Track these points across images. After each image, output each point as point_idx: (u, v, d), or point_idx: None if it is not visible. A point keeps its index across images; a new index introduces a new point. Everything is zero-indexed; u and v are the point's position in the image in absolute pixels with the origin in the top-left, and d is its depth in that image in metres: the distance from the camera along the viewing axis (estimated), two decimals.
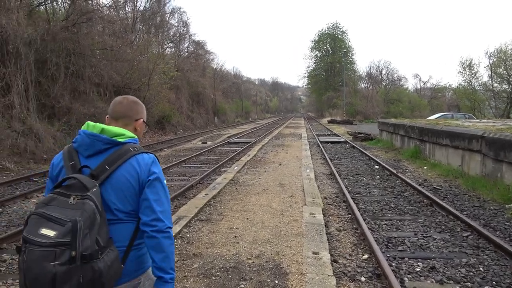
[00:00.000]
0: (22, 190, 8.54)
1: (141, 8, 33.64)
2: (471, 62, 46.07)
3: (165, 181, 1.63)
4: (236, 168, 9.81)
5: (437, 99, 63.05)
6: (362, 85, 67.60)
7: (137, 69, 25.86)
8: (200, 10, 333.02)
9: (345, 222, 5.65)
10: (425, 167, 9.64)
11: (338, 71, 66.05)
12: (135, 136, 1.64)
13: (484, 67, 45.50)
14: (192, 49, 46.42)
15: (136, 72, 25.82)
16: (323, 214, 5.75)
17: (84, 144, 1.55)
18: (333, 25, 68.48)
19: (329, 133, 26.54)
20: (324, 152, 14.15)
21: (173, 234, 1.81)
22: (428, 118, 24.85)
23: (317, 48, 71.23)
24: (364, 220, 5.67)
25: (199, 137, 24.45)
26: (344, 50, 63.87)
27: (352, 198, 7.00)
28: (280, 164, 10.58)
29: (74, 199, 1.37)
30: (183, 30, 43.21)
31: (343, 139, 19.63)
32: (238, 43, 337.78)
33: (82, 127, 1.58)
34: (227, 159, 12.27)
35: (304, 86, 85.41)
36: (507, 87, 42.86)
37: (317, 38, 70.41)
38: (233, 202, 6.26)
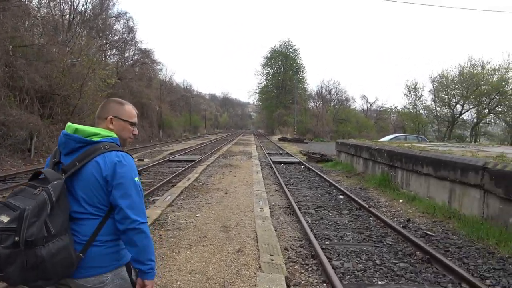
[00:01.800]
0: None
1: (80, 7, 30.32)
2: (416, 85, 47.49)
3: (136, 178, 1.65)
4: (168, 198, 7.53)
5: (382, 121, 64.75)
6: (312, 104, 67.92)
7: (68, 74, 22.71)
8: (151, 22, 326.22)
9: None
10: (400, 200, 8.03)
11: (289, 89, 65.85)
12: (112, 135, 1.69)
13: (428, 91, 47.04)
14: (138, 57, 43.29)
15: (67, 76, 22.64)
16: (286, 284, 3.73)
17: (61, 143, 1.67)
18: (285, 43, 68.68)
19: (281, 152, 24.93)
20: (278, 175, 12.28)
21: None
22: (381, 140, 24.11)
23: (269, 65, 70.89)
24: None
25: (137, 152, 21.66)
26: (296, 67, 63.89)
27: (322, 249, 5.07)
28: (226, 193, 8.46)
29: (38, 190, 1.47)
30: (128, 37, 40.10)
31: (296, 160, 17.99)
32: (190, 57, 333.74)
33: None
34: (161, 183, 9.93)
35: (255, 102, 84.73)
36: (448, 111, 44.53)
37: (269, 55, 70.15)
38: None
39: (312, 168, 14.70)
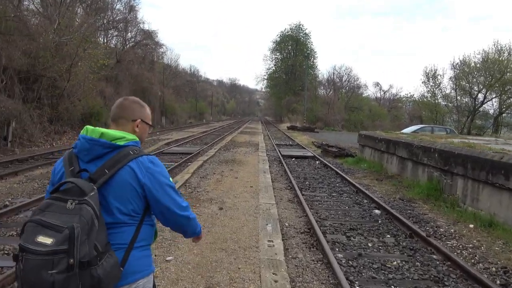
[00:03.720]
0: None
1: None
2: (435, 72, 44.41)
3: (170, 179, 1.61)
4: None
5: (397, 110, 61.66)
6: (322, 91, 64.96)
7: (56, 53, 20.44)
8: (158, 4, 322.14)
9: None
10: (470, 225, 5.60)
11: (299, 75, 62.91)
12: (136, 138, 1.61)
13: (449, 78, 43.83)
14: (140, 38, 40.66)
15: (55, 56, 20.38)
16: None
17: (84, 149, 1.53)
18: (296, 26, 65.24)
19: (291, 142, 22.48)
20: (290, 175, 9.93)
21: None
22: (404, 131, 21.57)
23: (278, 50, 67.69)
24: None
25: None
26: (307, 52, 60.82)
27: None
28: (221, 208, 6.11)
29: (71, 203, 1.33)
30: (129, 16, 37.42)
31: (310, 153, 15.57)
32: (198, 42, 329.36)
33: (81, 131, 1.56)
34: None
35: (263, 88, 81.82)
36: (468, 101, 41.60)
37: (278, 39, 66.80)
38: None
39: (329, 165, 12.31)
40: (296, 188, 8.38)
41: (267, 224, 5.29)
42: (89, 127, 1.56)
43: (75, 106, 21.83)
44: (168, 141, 19.45)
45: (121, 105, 1.65)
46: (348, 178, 9.83)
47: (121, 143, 1.52)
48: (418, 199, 7.35)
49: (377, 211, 6.86)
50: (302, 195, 7.97)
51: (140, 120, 1.66)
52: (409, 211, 6.72)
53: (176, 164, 11.23)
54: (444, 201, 6.83)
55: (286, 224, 5.77)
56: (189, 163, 11.56)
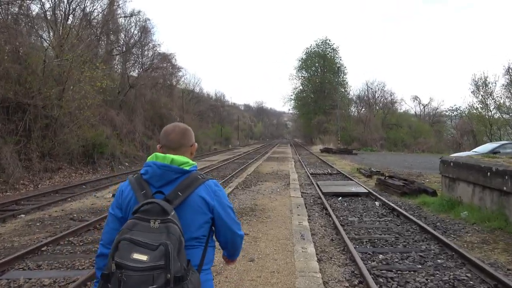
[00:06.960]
0: None
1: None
2: (486, 79, 39.02)
3: (229, 201, 1.67)
4: None
5: (440, 124, 55.70)
6: (353, 109, 60.03)
7: (46, 76, 17.40)
8: (179, 31, 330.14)
9: None
10: None
11: (328, 93, 58.48)
12: (194, 162, 1.67)
13: (502, 85, 38.13)
14: (156, 61, 37.91)
15: (46, 81, 17.32)
16: None
17: (156, 175, 1.55)
18: (322, 42, 61.30)
19: (329, 170, 17.98)
20: (348, 242, 5.67)
21: None
22: (476, 150, 16.73)
23: (304, 68, 63.80)
24: None
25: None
26: (336, 67, 56.46)
27: None
28: None
29: (154, 222, 1.36)
30: (142, 38, 34.75)
31: (362, 189, 11.11)
32: (224, 67, 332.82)
33: (149, 158, 1.60)
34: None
35: (290, 110, 77.65)
36: None
37: (304, 57, 63.02)
38: None
39: (401, 210, 7.91)
40: (370, 281, 4.08)
41: None
42: (159, 154, 1.59)
43: (72, 138, 18.47)
44: None
45: (179, 132, 1.68)
46: (455, 247, 5.38)
47: (187, 167, 1.57)
48: None
49: None
50: None
51: (195, 143, 1.74)
52: None
53: None
54: None
55: None
56: None
